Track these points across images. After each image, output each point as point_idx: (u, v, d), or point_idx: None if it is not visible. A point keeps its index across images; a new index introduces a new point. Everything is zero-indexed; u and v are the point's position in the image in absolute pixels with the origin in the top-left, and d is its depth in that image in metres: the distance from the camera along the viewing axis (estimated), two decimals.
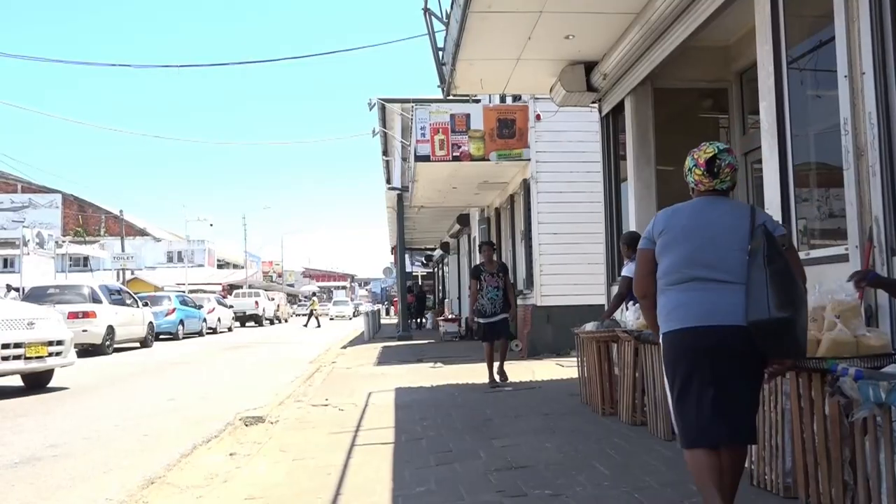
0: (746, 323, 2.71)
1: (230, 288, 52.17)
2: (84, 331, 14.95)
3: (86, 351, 15.12)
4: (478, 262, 9.11)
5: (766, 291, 2.67)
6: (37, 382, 9.51)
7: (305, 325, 32.48)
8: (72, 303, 15.60)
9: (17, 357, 8.68)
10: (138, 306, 18.51)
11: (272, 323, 37.62)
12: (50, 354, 9.15)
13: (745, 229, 2.83)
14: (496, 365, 8.56)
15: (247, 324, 34.95)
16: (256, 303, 36.53)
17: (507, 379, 8.50)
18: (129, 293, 19.01)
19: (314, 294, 55.09)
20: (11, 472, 5.03)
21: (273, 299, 41.30)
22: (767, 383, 3.35)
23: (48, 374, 9.61)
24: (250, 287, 47.32)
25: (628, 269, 6.17)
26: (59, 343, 9.30)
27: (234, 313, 32.91)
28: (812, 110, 4.80)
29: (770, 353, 2.80)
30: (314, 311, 34.28)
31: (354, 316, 48.16)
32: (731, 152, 3.06)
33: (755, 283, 2.71)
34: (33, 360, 8.89)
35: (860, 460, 3.04)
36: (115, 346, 16.56)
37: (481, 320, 8.42)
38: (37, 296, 15.74)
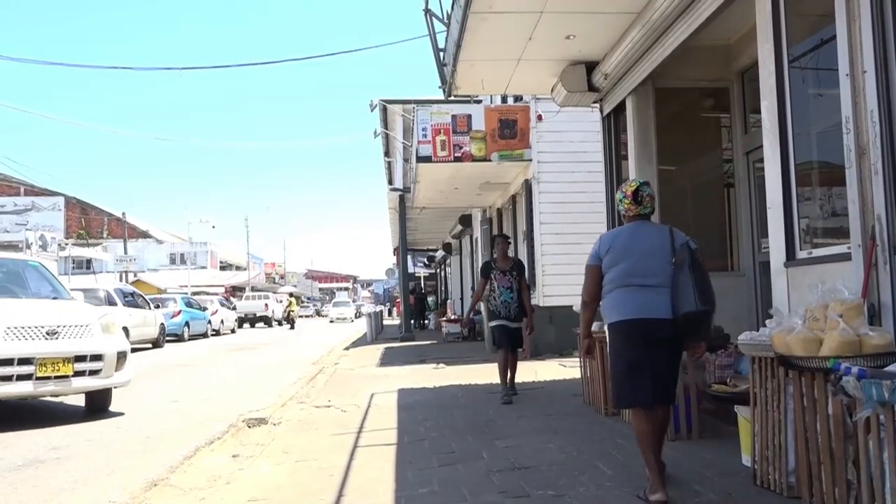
0: (677, 314, 3.54)
1: (233, 290, 52.27)
2: None
3: None
4: (490, 258, 7.96)
5: (693, 291, 3.51)
6: (95, 405, 7.69)
7: (290, 327, 33.24)
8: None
9: (23, 377, 6.64)
10: (150, 308, 19.09)
11: (280, 324, 38.35)
12: (78, 373, 6.97)
13: (668, 247, 3.68)
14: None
15: (256, 325, 35.78)
16: (266, 305, 37.69)
17: (515, 393, 7.51)
18: (141, 296, 19.49)
19: (291, 295, 48.00)
20: (14, 475, 5.04)
21: (281, 301, 42.54)
22: (691, 365, 4.69)
23: (104, 394, 7.70)
24: (253, 289, 47.74)
25: None
26: (96, 358, 7.13)
27: (245, 315, 35.01)
28: (813, 109, 4.79)
29: (690, 338, 3.68)
30: (291, 313, 35.06)
31: (357, 317, 47.68)
32: (649, 185, 3.95)
33: (683, 285, 3.53)
34: (51, 380, 6.78)
35: (863, 460, 3.03)
36: (130, 346, 16.81)
37: (495, 322, 7.44)
38: None
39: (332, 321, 43.64)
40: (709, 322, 3.70)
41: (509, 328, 7.34)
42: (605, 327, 3.88)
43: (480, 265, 7.86)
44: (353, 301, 63.86)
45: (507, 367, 7.41)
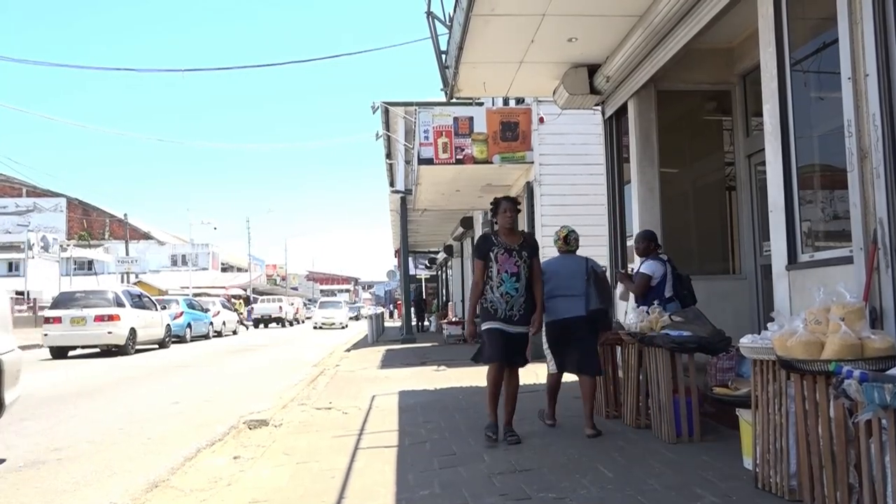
0: (587, 312, 5.48)
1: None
2: (109, 333, 16.46)
3: (110, 351, 16.66)
4: (487, 231, 5.74)
5: (596, 296, 5.51)
6: None
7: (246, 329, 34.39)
8: (97, 306, 16.65)
9: None
10: (157, 310, 19.37)
11: (292, 324, 41.97)
12: None
13: (583, 270, 5.59)
14: (503, 415, 5.33)
15: (270, 325, 39.59)
16: (280, 307, 41.23)
17: (516, 437, 5.20)
18: (148, 297, 19.71)
19: (238, 297, 46.39)
20: (16, 476, 5.04)
21: (293, 304, 45.72)
22: (601, 347, 5.90)
23: None
24: (254, 291, 48.23)
25: (647, 267, 6.12)
26: None
27: (261, 316, 39.99)
28: (815, 112, 4.79)
29: (599, 325, 5.62)
30: (241, 316, 36.46)
31: (357, 320, 46.87)
32: (576, 231, 5.84)
33: (592, 294, 5.52)
34: None
35: (865, 463, 3.03)
36: (137, 346, 17.43)
37: (488, 325, 5.20)
38: (65, 301, 17.15)
39: (316, 326, 36.03)
40: (608, 314, 5.82)
41: (509, 334, 5.17)
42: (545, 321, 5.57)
43: (476, 242, 5.50)
44: (350, 302, 60.54)
45: (499, 391, 5.30)
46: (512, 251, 5.26)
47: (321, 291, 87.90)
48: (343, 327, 35.81)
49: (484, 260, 5.29)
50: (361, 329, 28.61)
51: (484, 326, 5.27)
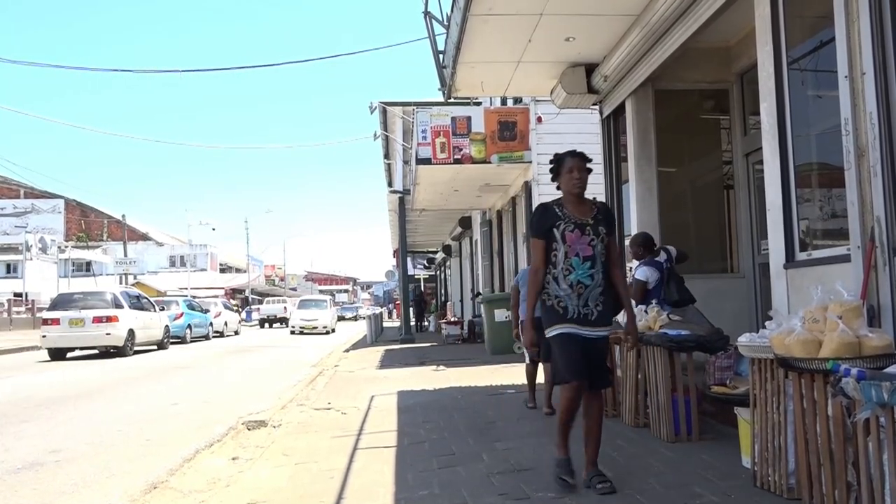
0: None
1: (233, 292, 52.31)
2: (108, 334, 16.45)
3: (109, 353, 16.65)
4: (546, 202, 4.16)
5: None
6: None
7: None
8: (96, 308, 16.63)
9: None
10: (155, 311, 19.39)
11: None
12: None
13: None
14: (584, 464, 3.97)
15: (275, 325, 40.62)
16: (285, 308, 41.93)
17: (606, 482, 3.81)
18: (147, 299, 19.74)
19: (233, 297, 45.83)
20: (14, 478, 5.04)
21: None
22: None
23: None
24: (253, 291, 48.34)
25: (641, 273, 6.14)
26: None
27: (267, 316, 41.35)
28: (813, 111, 4.79)
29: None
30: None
31: (354, 320, 46.84)
32: None
33: None
34: None
35: (863, 461, 3.03)
36: (136, 348, 17.44)
37: (559, 329, 3.84)
38: (63, 302, 17.15)
39: (294, 331, 29.45)
40: None
41: (586, 340, 3.84)
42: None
43: (531, 216, 4.13)
44: (349, 303, 58.24)
45: (573, 418, 3.92)
46: (584, 227, 3.88)
47: (320, 292, 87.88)
48: (328, 332, 29.27)
49: (544, 239, 3.92)
50: (356, 331, 28.46)
51: (551, 332, 3.87)
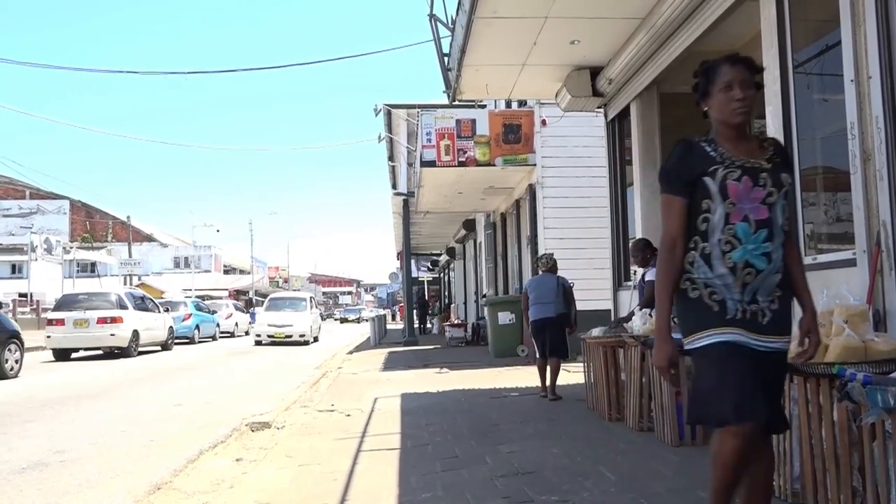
0: (558, 314, 7.61)
1: (236, 293, 52.40)
2: (112, 335, 16.39)
3: (113, 353, 16.64)
4: (689, 137, 2.65)
5: (563, 304, 7.66)
6: None
7: None
8: (100, 308, 16.65)
9: None
10: (160, 312, 19.44)
11: None
12: None
13: (556, 285, 7.70)
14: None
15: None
16: None
17: None
18: (151, 299, 19.82)
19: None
20: (19, 477, 5.04)
21: None
22: (569, 334, 7.67)
23: None
24: (256, 293, 48.49)
25: (653, 274, 6.13)
26: None
27: None
28: (818, 114, 4.78)
29: (565, 325, 7.67)
30: None
31: (357, 322, 46.84)
32: (553, 255, 8.07)
33: (561, 302, 7.64)
34: None
35: (869, 466, 3.02)
36: (140, 348, 17.48)
37: (712, 337, 2.44)
38: (67, 303, 17.16)
39: (259, 341, 21.97)
40: (571, 317, 7.74)
41: (762, 355, 2.45)
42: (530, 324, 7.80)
43: (667, 158, 2.68)
44: (353, 305, 57.30)
45: (739, 479, 2.46)
46: (757, 174, 2.47)
47: (324, 293, 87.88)
48: (306, 342, 21.93)
49: (685, 197, 2.52)
50: (354, 336, 28.27)
51: (700, 342, 2.49)
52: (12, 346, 12.29)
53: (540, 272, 7.91)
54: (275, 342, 21.67)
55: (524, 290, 8.05)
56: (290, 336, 21.79)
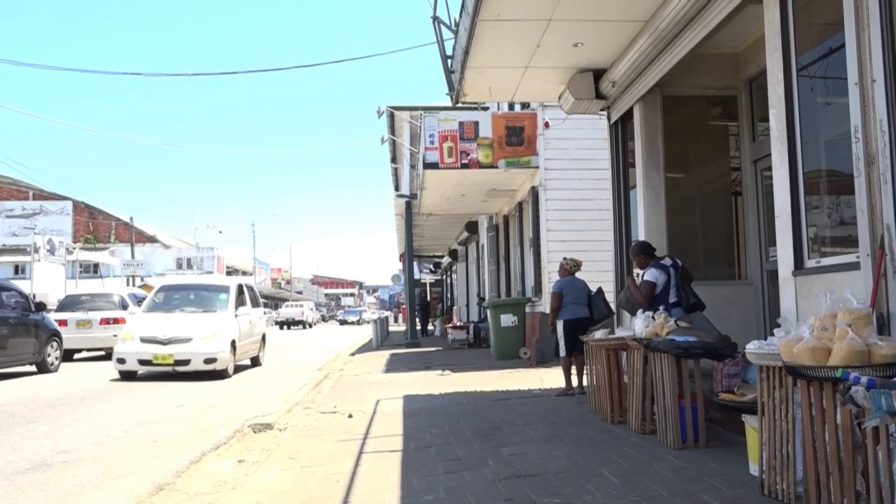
0: (591, 315, 8.13)
1: None
2: (115, 336, 15.82)
3: None
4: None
5: (594, 306, 8.15)
6: None
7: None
8: (103, 309, 16.83)
9: None
10: None
11: (311, 326, 48.41)
12: None
13: (586, 287, 8.27)
14: None
15: (293, 327, 45.56)
16: (302, 311, 47.62)
17: None
18: None
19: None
20: (22, 478, 5.05)
21: (312, 309, 52.61)
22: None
23: None
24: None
25: (650, 275, 6.22)
26: None
27: (286, 319, 46.46)
28: (822, 117, 4.78)
29: (595, 324, 7.98)
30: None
31: (358, 324, 48.21)
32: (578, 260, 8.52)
33: (596, 304, 8.15)
34: None
35: (872, 470, 3.01)
36: None
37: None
38: (70, 304, 17.30)
39: (125, 370, 11.58)
40: (602, 318, 8.15)
41: None
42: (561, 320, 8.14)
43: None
44: (355, 307, 60.91)
45: None
46: None
47: (326, 295, 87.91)
48: (221, 372, 11.62)
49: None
50: (351, 341, 28.33)
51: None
52: (54, 344, 13.57)
53: (573, 274, 8.35)
54: (152, 373, 11.85)
55: (558, 291, 8.31)
56: (185, 361, 11.44)
